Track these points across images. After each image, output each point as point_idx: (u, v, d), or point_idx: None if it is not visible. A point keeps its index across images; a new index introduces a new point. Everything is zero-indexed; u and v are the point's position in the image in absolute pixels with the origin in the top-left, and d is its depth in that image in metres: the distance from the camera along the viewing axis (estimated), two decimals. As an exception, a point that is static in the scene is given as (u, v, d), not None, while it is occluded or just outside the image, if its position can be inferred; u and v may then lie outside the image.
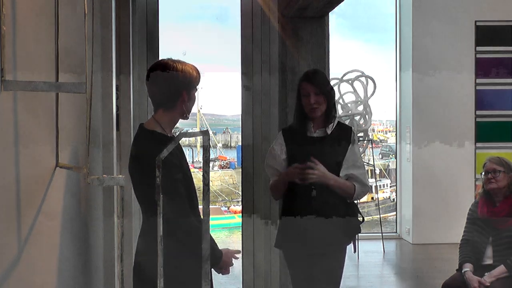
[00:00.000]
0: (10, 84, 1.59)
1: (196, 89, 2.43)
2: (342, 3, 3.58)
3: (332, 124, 3.04)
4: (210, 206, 1.58)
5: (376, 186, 8.04)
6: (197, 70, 2.41)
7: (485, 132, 7.08)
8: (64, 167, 2.10)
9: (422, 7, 7.08)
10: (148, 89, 2.44)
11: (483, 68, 7.07)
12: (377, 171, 19.41)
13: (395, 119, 7.78)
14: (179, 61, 2.37)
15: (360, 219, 3.12)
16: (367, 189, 3.10)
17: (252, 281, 4.15)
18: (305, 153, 2.97)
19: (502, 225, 3.61)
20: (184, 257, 2.25)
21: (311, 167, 2.90)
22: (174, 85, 2.34)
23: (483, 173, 3.74)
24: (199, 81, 2.42)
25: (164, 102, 2.37)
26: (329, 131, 3.02)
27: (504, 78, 7.07)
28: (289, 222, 3.06)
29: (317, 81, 3.00)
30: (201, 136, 1.56)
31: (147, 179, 2.09)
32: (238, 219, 16.67)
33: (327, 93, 3.02)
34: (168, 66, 2.34)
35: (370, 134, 8.85)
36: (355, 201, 3.17)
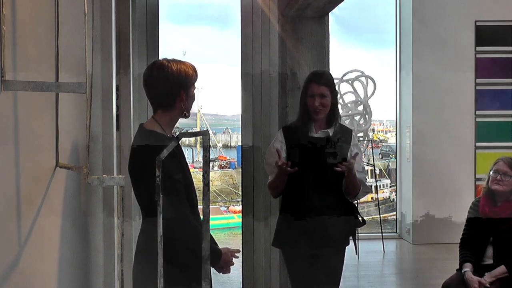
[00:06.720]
0: (10, 84, 1.59)
1: (195, 87, 2.42)
2: (342, 3, 3.58)
3: (334, 125, 3.05)
4: (210, 206, 1.58)
5: (376, 186, 8.01)
6: (193, 67, 2.39)
7: (485, 132, 7.08)
8: (64, 167, 2.10)
9: (422, 7, 7.08)
10: (145, 91, 2.42)
11: (483, 68, 7.07)
12: (377, 171, 19.38)
13: (395, 119, 7.79)
14: (174, 60, 2.35)
15: (361, 220, 3.12)
16: (368, 190, 3.13)
17: (252, 281, 4.15)
18: (306, 152, 2.98)
19: (502, 225, 3.60)
20: (184, 257, 2.25)
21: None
22: (171, 85, 2.32)
23: (492, 171, 3.68)
24: (196, 78, 2.40)
25: (162, 102, 2.36)
26: (331, 133, 3.02)
27: (504, 78, 7.07)
28: (287, 221, 3.06)
29: (325, 83, 3.01)
30: (201, 136, 1.56)
31: (147, 179, 2.09)
32: (237, 219, 16.67)
33: (333, 95, 3.04)
34: (163, 67, 2.32)
35: (370, 134, 8.85)
36: (355, 202, 3.17)
